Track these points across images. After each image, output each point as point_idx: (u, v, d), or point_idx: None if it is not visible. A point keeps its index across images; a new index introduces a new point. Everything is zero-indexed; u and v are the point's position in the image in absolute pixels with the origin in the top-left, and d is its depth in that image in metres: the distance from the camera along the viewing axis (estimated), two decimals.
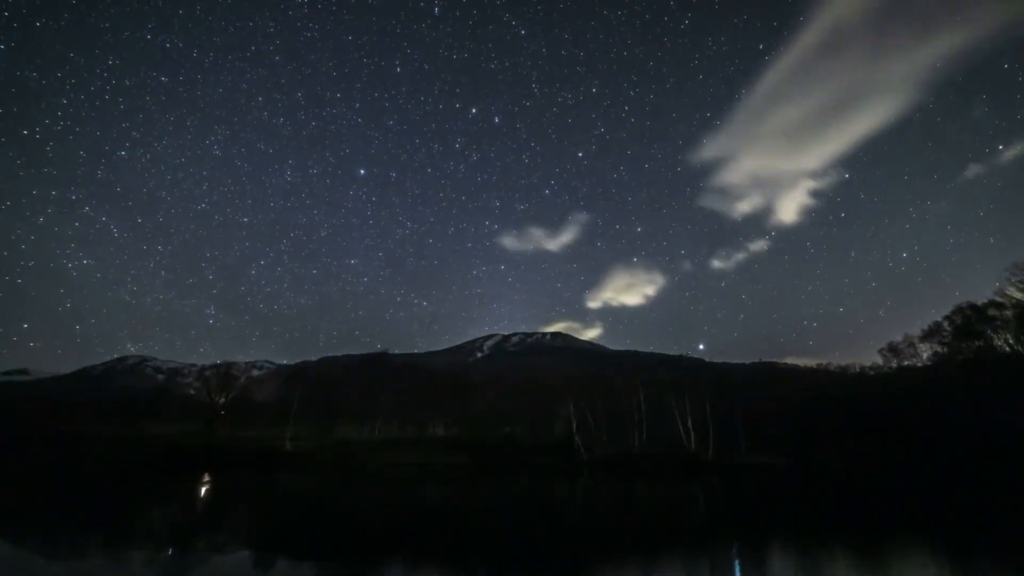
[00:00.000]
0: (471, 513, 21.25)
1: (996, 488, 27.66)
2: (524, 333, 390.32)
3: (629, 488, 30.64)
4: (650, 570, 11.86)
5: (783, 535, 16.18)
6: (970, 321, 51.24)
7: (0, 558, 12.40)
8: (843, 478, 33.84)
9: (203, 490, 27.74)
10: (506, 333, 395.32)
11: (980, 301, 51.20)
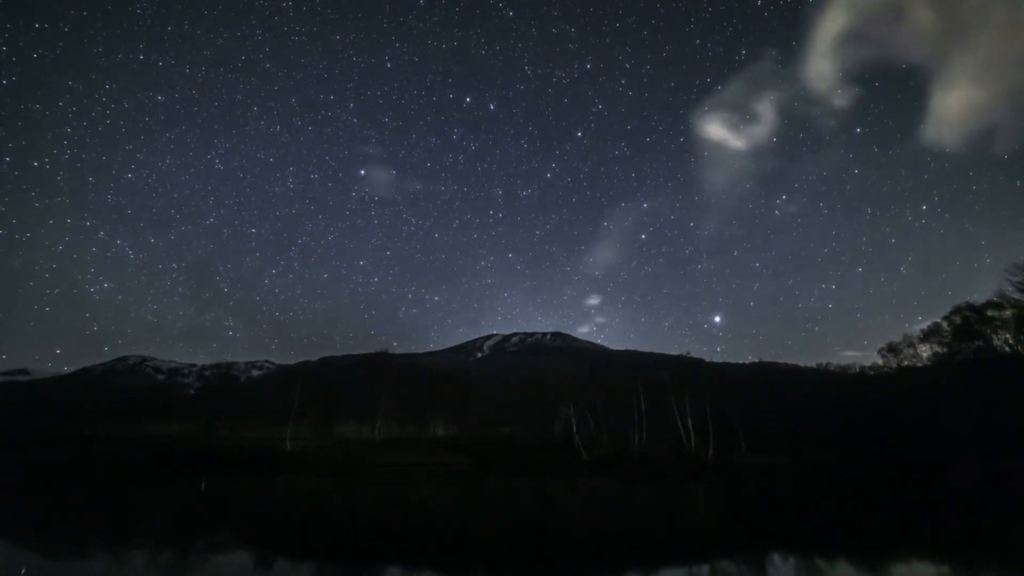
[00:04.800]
0: (471, 513, 21.25)
1: (996, 488, 27.66)
2: (524, 333, 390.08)
3: (629, 489, 30.62)
4: (650, 573, 11.86)
5: (786, 537, 16.18)
6: (970, 321, 51.36)
7: (0, 558, 12.40)
8: (844, 478, 33.83)
9: (203, 490, 27.72)
10: (506, 333, 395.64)
11: (980, 301, 51.38)
